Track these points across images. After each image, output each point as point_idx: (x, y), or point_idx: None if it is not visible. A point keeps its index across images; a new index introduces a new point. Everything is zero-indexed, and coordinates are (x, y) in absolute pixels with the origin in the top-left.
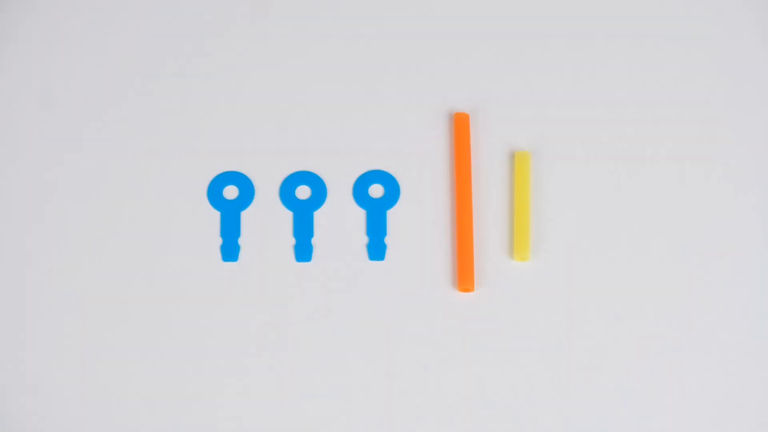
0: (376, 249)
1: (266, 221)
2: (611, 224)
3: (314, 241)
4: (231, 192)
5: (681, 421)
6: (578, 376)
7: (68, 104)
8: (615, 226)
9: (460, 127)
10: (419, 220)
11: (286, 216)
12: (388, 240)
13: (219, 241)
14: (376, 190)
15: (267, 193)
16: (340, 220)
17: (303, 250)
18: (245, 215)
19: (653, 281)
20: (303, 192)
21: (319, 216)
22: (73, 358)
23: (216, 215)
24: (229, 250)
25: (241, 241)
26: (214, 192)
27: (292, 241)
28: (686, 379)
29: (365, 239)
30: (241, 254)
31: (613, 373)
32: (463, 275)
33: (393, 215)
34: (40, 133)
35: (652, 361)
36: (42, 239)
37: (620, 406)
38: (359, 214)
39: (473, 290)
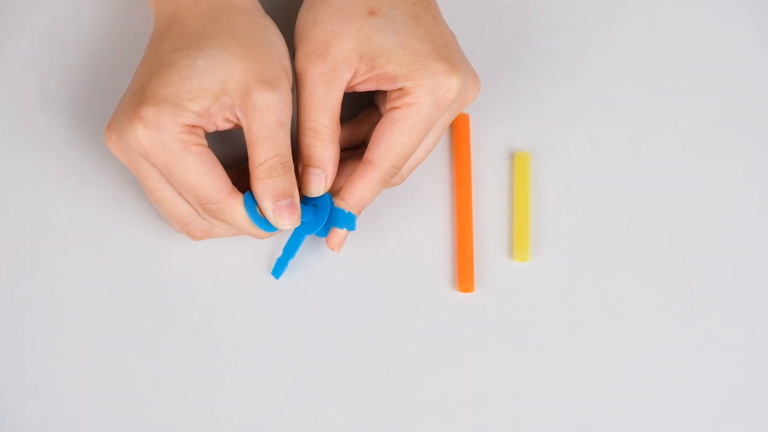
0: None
1: None
2: (611, 224)
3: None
4: None
5: (681, 421)
6: (578, 376)
7: (69, 104)
8: (615, 226)
9: (460, 127)
10: (419, 220)
11: None
12: (388, 240)
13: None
14: None
15: None
16: None
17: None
18: None
19: (653, 281)
20: None
21: None
22: (73, 358)
23: None
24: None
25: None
26: None
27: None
28: (686, 379)
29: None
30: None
31: (613, 373)
32: (463, 275)
33: (393, 215)
34: (41, 133)
35: (652, 361)
36: (42, 239)
37: (620, 406)
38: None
39: (473, 290)
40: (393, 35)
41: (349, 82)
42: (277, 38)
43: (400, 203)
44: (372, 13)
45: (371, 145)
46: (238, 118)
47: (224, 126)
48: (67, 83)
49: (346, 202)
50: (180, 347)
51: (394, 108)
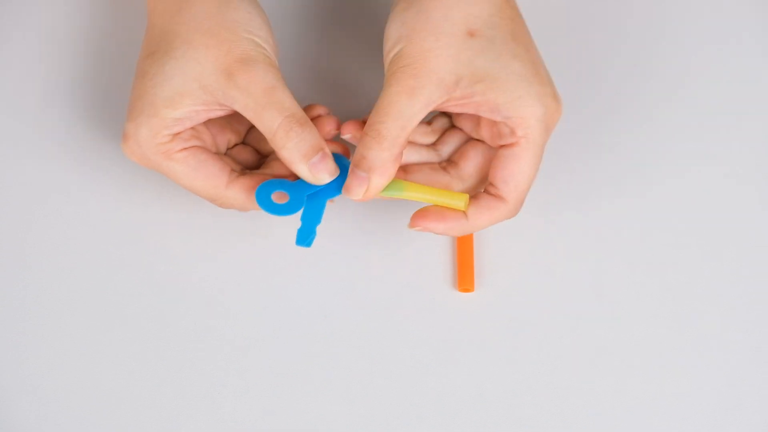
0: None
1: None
2: (611, 224)
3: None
4: None
5: (681, 422)
6: (578, 377)
7: (70, 103)
8: (615, 226)
9: None
10: None
11: None
12: (388, 240)
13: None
14: None
15: None
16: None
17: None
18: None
19: (653, 281)
20: None
21: None
22: (74, 358)
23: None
24: None
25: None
26: None
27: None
28: (686, 379)
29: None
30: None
31: (613, 374)
32: (463, 275)
33: (393, 215)
34: (41, 133)
35: (652, 361)
36: (42, 238)
37: (620, 407)
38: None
39: (473, 290)
40: (495, 58)
41: (439, 105)
42: (242, 12)
43: (400, 203)
44: (471, 34)
45: (498, 183)
46: (229, 106)
47: (217, 114)
48: (67, 82)
49: (471, 228)
50: (180, 347)
51: (510, 144)
